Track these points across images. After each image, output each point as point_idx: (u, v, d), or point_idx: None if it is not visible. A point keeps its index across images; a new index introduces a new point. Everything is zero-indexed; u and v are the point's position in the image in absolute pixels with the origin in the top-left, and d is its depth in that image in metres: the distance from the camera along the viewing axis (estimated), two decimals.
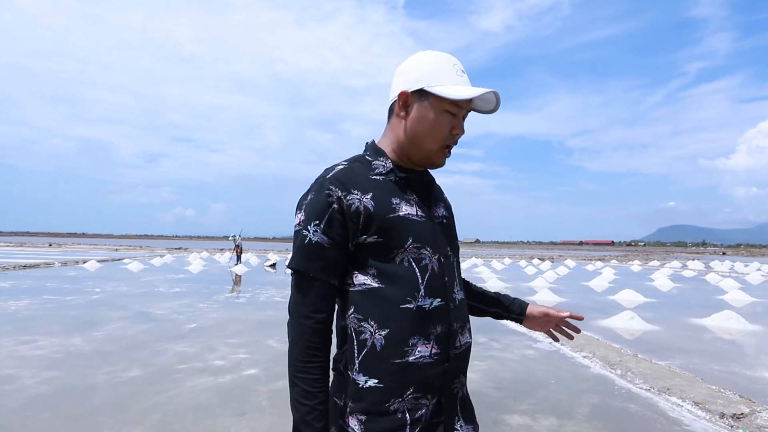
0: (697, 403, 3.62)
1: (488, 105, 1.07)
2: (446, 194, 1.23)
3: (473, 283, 1.33)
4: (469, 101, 1.04)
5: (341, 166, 1.04)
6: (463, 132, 1.06)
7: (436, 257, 1.02)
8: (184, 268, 18.58)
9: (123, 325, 6.55)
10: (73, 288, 10.97)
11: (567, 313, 1.26)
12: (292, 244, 1.03)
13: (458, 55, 1.18)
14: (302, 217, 1.00)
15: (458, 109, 1.03)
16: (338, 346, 1.05)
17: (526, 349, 5.63)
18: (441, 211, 1.12)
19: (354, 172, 1.02)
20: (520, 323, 1.30)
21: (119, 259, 22.92)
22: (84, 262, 18.50)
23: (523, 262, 27.44)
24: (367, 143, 1.12)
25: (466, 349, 1.07)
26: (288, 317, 1.00)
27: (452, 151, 1.08)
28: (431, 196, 1.11)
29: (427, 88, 1.00)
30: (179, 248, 43.61)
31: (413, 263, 0.99)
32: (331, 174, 1.01)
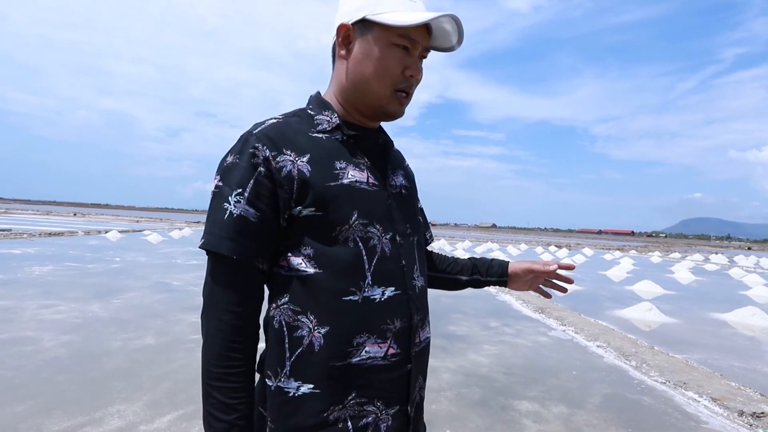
0: (715, 399, 3.50)
1: (448, 39, 0.85)
2: (409, 162, 1.03)
3: (442, 254, 1.15)
4: (426, 34, 0.83)
5: (273, 120, 0.83)
6: (419, 74, 0.84)
7: (388, 236, 0.83)
8: None
9: (140, 294, 6.69)
10: (95, 256, 11.27)
11: (555, 266, 1.08)
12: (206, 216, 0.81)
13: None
14: (220, 183, 0.79)
15: (411, 43, 0.82)
16: (265, 343, 0.85)
17: (539, 336, 5.55)
18: (399, 179, 0.92)
19: (290, 127, 0.82)
20: (505, 285, 1.12)
21: (139, 231, 23.46)
22: (106, 232, 18.98)
23: (539, 249, 27.10)
24: (310, 96, 0.90)
25: (426, 346, 0.90)
26: (202, 308, 0.80)
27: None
28: (387, 161, 0.90)
29: (369, 17, 0.81)
30: (198, 222, 44.41)
31: (359, 243, 0.80)
32: (258, 129, 0.81)
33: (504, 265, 1.12)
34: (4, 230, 16.42)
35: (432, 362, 4.23)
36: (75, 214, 43.42)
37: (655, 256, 26.99)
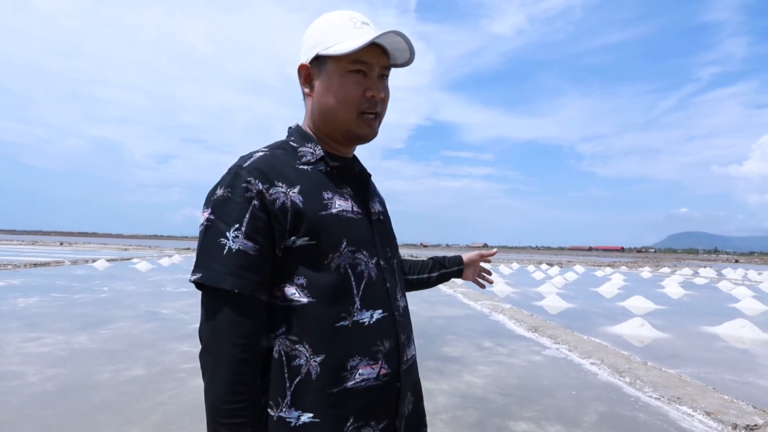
0: (709, 413, 3.51)
1: (401, 55, 0.88)
2: (385, 193, 1.11)
3: (409, 259, 1.29)
4: (379, 54, 0.86)
5: (261, 153, 0.86)
6: (380, 93, 0.87)
7: (374, 261, 0.87)
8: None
9: (129, 324, 6.56)
10: (82, 286, 11.06)
11: (495, 250, 1.35)
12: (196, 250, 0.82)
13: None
14: (211, 217, 0.81)
15: (366, 66, 0.85)
16: (262, 375, 0.85)
17: (533, 355, 5.54)
18: (377, 206, 0.97)
19: (277, 159, 0.85)
20: (461, 275, 1.30)
21: (128, 259, 23.12)
22: (93, 261, 18.67)
23: (531, 267, 27.19)
24: (290, 127, 0.94)
25: (414, 363, 0.94)
26: (201, 348, 0.80)
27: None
28: (367, 190, 0.95)
29: (321, 53, 0.85)
30: (188, 249, 43.89)
31: (348, 270, 0.83)
32: (248, 162, 0.83)
33: (459, 256, 1.31)
34: None
35: (427, 385, 4.20)
36: (62, 244, 42.70)
37: (645, 272, 27.20)
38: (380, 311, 0.86)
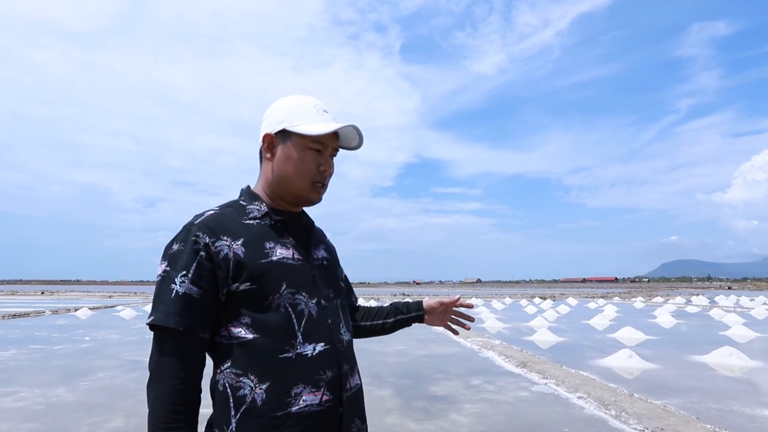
0: None
1: (352, 141, 1.07)
2: (329, 238, 1.21)
3: (367, 306, 1.33)
4: (334, 138, 1.04)
5: (211, 212, 1.00)
6: (330, 169, 1.05)
7: (314, 301, 0.99)
8: None
9: (110, 374, 6.41)
10: (62, 337, 10.78)
11: (458, 297, 1.30)
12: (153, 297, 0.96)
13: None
14: (167, 268, 0.93)
15: (322, 146, 1.03)
16: (212, 407, 0.95)
17: (520, 391, 5.50)
18: (321, 253, 1.09)
19: (225, 217, 0.99)
20: (422, 321, 1.29)
21: (112, 306, 22.62)
22: (76, 310, 18.22)
23: (524, 302, 27.07)
24: (242, 189, 1.10)
25: (357, 391, 1.03)
26: (148, 380, 0.91)
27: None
28: (310, 239, 1.08)
29: (288, 128, 1.01)
30: None
31: (289, 309, 0.95)
32: (199, 220, 0.97)
33: (420, 302, 1.31)
34: None
35: (412, 426, 4.15)
36: (43, 293, 41.63)
37: (638, 302, 27.23)
38: (322, 344, 0.96)
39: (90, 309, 18.74)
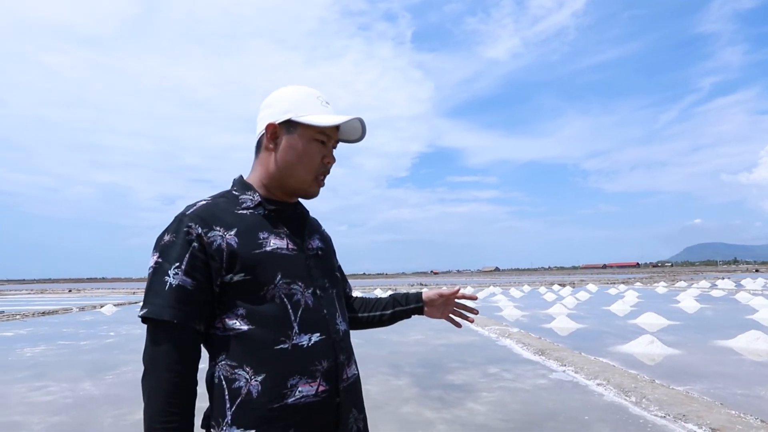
0: (714, 429, 3.43)
1: (355, 133, 1.06)
2: (324, 227, 1.18)
3: (365, 297, 1.30)
4: (337, 130, 1.03)
5: (203, 202, 0.98)
6: (333, 160, 1.04)
7: (309, 291, 0.97)
8: None
9: (134, 368, 6.58)
10: (88, 333, 11.11)
11: (458, 288, 1.24)
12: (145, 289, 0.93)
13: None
14: (159, 259, 0.91)
15: (327, 138, 1.02)
16: (208, 399, 0.95)
17: (538, 379, 5.45)
18: (315, 242, 1.07)
19: (218, 207, 0.97)
20: (422, 312, 1.25)
21: (136, 303, 23.19)
22: (101, 307, 18.75)
23: (542, 289, 26.79)
24: (234, 179, 1.07)
25: (355, 382, 1.02)
26: (143, 373, 0.90)
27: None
28: (305, 228, 1.06)
29: (294, 118, 0.99)
30: None
31: (285, 299, 0.93)
32: (191, 210, 0.95)
33: (419, 293, 1.27)
34: None
35: (428, 414, 4.16)
36: (70, 291, 42.84)
37: (660, 287, 26.68)
38: (318, 334, 0.95)
39: (114, 305, 19.26)
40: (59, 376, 6.12)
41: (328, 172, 1.04)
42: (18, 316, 15.52)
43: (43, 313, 16.72)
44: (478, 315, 1.27)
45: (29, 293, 40.23)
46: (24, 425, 4.12)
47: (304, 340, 0.92)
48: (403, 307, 1.24)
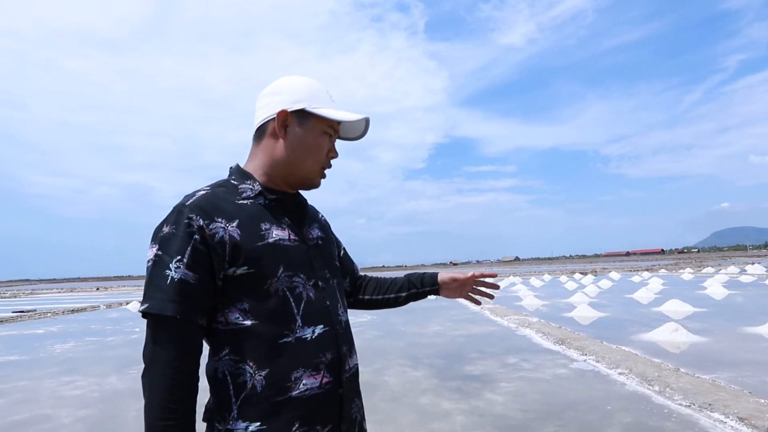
0: (742, 418, 3.31)
1: (355, 132, 1.07)
2: (324, 215, 1.18)
3: (378, 278, 1.28)
4: (338, 126, 1.04)
5: (203, 192, 0.94)
6: (337, 155, 1.05)
7: (311, 283, 0.96)
8: None
9: None
10: (115, 329, 11.45)
11: (471, 274, 1.24)
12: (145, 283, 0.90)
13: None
14: (159, 252, 0.88)
15: (334, 131, 1.03)
16: (211, 393, 0.94)
17: (558, 368, 5.37)
18: (315, 232, 1.06)
19: (218, 197, 0.93)
20: (438, 293, 1.25)
21: None
22: (127, 304, 19.31)
23: (563, 278, 26.40)
24: (231, 167, 1.04)
25: (356, 372, 1.03)
26: (143, 370, 0.87)
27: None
28: (305, 218, 1.05)
29: (309, 109, 0.98)
30: None
31: (287, 292, 0.92)
32: (191, 201, 0.91)
33: (435, 275, 1.27)
34: (29, 311, 16.91)
35: (446, 405, 4.14)
36: (98, 289, 44.21)
37: (686, 273, 25.97)
38: (321, 326, 0.94)
39: (139, 302, 19.80)
40: (87, 371, 6.32)
41: (331, 166, 1.05)
42: (49, 314, 16.10)
43: (72, 311, 17.30)
44: (496, 300, 1.25)
45: (60, 292, 41.69)
46: (53, 418, 4.27)
47: (308, 333, 0.92)
48: (418, 290, 1.25)
